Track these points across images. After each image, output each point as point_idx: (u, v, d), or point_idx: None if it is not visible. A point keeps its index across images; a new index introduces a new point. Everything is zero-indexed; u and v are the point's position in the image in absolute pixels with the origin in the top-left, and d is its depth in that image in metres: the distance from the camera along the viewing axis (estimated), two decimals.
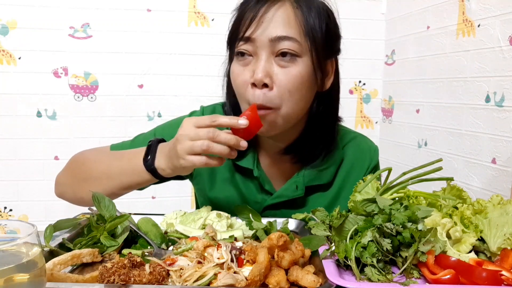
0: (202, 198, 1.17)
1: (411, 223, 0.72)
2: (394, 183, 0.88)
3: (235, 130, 0.88)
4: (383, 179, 0.93)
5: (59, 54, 2.56)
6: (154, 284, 0.66)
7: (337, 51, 1.05)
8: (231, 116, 0.88)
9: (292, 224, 0.98)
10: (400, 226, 0.71)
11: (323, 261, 0.73)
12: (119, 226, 0.85)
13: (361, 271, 0.71)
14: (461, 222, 0.79)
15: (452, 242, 0.78)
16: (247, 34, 0.95)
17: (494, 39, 1.87)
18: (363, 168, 1.14)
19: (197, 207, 1.24)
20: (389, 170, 0.93)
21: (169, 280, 0.69)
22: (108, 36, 2.60)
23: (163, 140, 1.00)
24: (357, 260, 0.72)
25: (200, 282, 0.68)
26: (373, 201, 0.79)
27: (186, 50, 2.67)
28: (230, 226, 0.95)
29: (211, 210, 0.99)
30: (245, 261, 0.74)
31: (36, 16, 2.51)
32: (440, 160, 0.87)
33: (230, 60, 1.04)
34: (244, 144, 0.87)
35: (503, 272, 0.69)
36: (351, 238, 0.74)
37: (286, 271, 0.70)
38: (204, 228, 0.91)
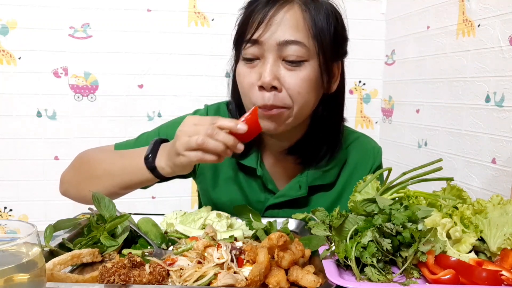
0: (205, 197, 1.18)
1: (411, 223, 0.72)
2: (394, 183, 0.88)
3: (233, 132, 0.87)
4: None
5: (59, 54, 2.56)
6: (154, 284, 0.66)
7: (344, 53, 1.05)
8: (231, 119, 0.87)
9: (292, 224, 0.98)
10: (400, 226, 0.71)
11: (323, 261, 0.73)
12: (119, 226, 0.85)
13: (361, 271, 0.71)
14: (461, 222, 0.79)
15: (452, 242, 0.78)
16: (254, 36, 0.95)
17: (494, 39, 1.87)
18: (366, 169, 1.14)
19: (200, 206, 1.25)
20: (389, 170, 0.93)
21: (169, 280, 0.69)
22: (108, 36, 2.60)
23: (166, 140, 1.00)
24: (357, 260, 0.72)
25: (200, 282, 0.68)
26: (373, 201, 0.79)
27: (186, 50, 2.67)
28: (230, 226, 0.95)
29: (212, 210, 0.99)
30: (245, 261, 0.74)
31: (36, 16, 2.51)
32: (440, 160, 0.87)
33: (236, 60, 1.04)
34: (240, 147, 0.87)
35: (503, 272, 0.69)
36: (351, 238, 0.74)
37: (286, 271, 0.70)
38: (204, 228, 0.91)
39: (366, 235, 0.72)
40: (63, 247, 0.80)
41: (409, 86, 2.56)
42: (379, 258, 0.71)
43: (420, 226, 0.72)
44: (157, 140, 0.99)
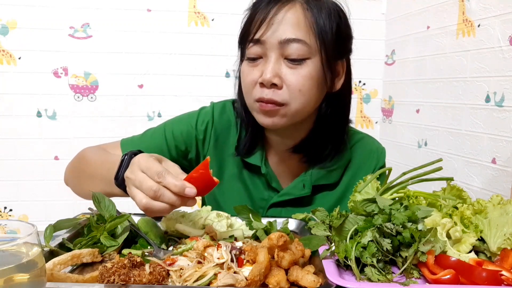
0: (209, 194, 1.18)
1: (411, 223, 0.72)
2: (394, 183, 0.88)
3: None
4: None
5: (59, 54, 2.56)
6: (154, 284, 0.66)
7: (348, 51, 1.05)
8: (179, 179, 0.77)
9: (292, 224, 0.98)
10: (400, 226, 0.71)
11: (323, 261, 0.73)
12: (119, 226, 0.85)
13: (361, 271, 0.71)
14: (461, 222, 0.79)
15: (452, 242, 0.78)
16: (257, 36, 0.96)
17: (494, 39, 1.87)
18: (369, 169, 1.14)
19: (204, 204, 1.25)
20: (389, 170, 0.93)
21: (169, 280, 0.69)
22: (108, 36, 2.60)
23: (140, 152, 0.91)
24: (357, 260, 0.72)
25: (200, 282, 0.68)
26: (373, 201, 0.79)
27: (186, 50, 2.67)
28: (230, 226, 0.95)
29: (213, 209, 0.99)
30: (245, 261, 0.74)
31: (36, 16, 2.51)
32: (440, 160, 0.87)
33: (241, 59, 1.05)
34: (191, 204, 0.79)
35: (503, 272, 0.69)
36: (351, 238, 0.74)
37: (286, 271, 0.70)
38: (204, 228, 0.91)
39: (366, 235, 0.72)
40: (63, 247, 0.80)
41: (409, 86, 2.56)
42: (379, 258, 0.71)
43: (420, 226, 0.72)
44: (128, 154, 0.89)
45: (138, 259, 0.69)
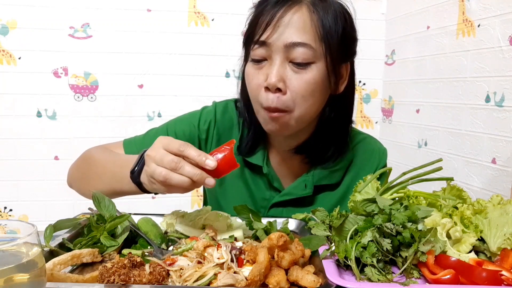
0: (211, 193, 1.18)
1: (411, 223, 0.72)
2: (394, 183, 0.88)
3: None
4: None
5: (59, 54, 2.56)
6: (154, 284, 0.66)
7: (352, 54, 1.05)
8: (201, 152, 0.80)
9: (292, 224, 0.98)
10: (400, 226, 0.71)
11: (323, 261, 0.73)
12: (119, 226, 0.85)
13: (361, 271, 0.71)
14: (461, 222, 0.79)
15: (452, 242, 0.78)
16: (262, 38, 0.95)
17: (494, 39, 1.87)
18: (371, 170, 1.14)
19: (205, 203, 1.25)
20: (389, 170, 0.93)
21: (169, 280, 0.69)
22: (108, 36, 2.59)
23: None
24: (357, 260, 0.72)
25: (200, 282, 0.68)
26: (373, 201, 0.79)
27: (186, 50, 2.67)
28: (230, 226, 0.95)
29: (214, 209, 0.99)
30: (245, 261, 0.74)
31: (36, 16, 2.51)
32: (440, 160, 0.87)
33: (245, 59, 1.04)
34: (210, 182, 0.80)
35: (503, 272, 0.69)
36: (351, 238, 0.74)
37: (286, 271, 0.70)
38: (204, 228, 0.91)
39: (366, 235, 0.72)
40: (63, 247, 0.80)
41: (409, 86, 2.56)
42: (379, 258, 0.71)
43: (420, 226, 0.72)
44: (145, 151, 0.90)
45: (138, 259, 0.69)
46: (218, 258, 0.71)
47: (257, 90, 0.98)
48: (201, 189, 2.78)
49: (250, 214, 0.93)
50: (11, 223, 0.58)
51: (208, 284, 0.68)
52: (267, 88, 0.95)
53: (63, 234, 0.84)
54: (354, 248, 0.71)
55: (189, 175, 0.79)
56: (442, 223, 0.79)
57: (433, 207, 0.83)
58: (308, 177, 1.10)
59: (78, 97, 2.62)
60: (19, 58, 2.52)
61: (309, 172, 1.11)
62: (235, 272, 0.70)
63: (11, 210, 2.64)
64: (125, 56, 2.62)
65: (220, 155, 0.81)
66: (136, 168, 0.89)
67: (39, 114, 2.59)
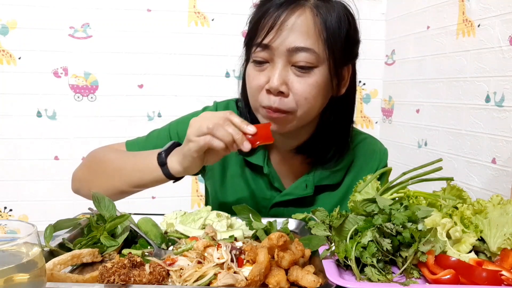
0: (213, 194, 1.19)
1: (411, 223, 0.72)
2: (394, 183, 0.88)
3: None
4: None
5: (59, 54, 2.56)
6: (154, 284, 0.66)
7: (354, 56, 1.04)
8: (243, 120, 0.91)
9: (292, 224, 0.98)
10: (400, 226, 0.71)
11: (323, 261, 0.73)
12: (119, 226, 0.85)
13: (361, 271, 0.71)
14: (461, 222, 0.79)
15: (452, 242, 0.78)
16: (265, 41, 0.94)
17: (494, 39, 1.87)
18: (372, 170, 1.14)
19: (207, 203, 1.25)
20: (389, 170, 0.93)
21: (169, 280, 0.69)
22: (108, 36, 2.60)
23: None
24: (357, 260, 0.72)
25: (200, 282, 0.68)
26: (373, 201, 0.79)
27: (186, 50, 2.67)
28: (230, 226, 0.95)
29: (215, 209, 0.99)
30: (245, 261, 0.74)
31: (36, 16, 2.51)
32: (440, 160, 0.87)
33: (246, 60, 1.04)
34: (247, 145, 0.89)
35: (503, 272, 0.69)
36: (351, 238, 0.74)
37: (286, 271, 0.70)
38: (204, 228, 0.91)
39: (366, 235, 0.72)
40: (63, 247, 0.80)
41: (409, 86, 2.56)
42: (379, 258, 0.71)
43: (420, 226, 0.72)
44: (175, 142, 1.01)
45: (138, 259, 0.69)
46: (218, 258, 0.71)
47: (257, 90, 0.98)
48: (201, 189, 2.78)
49: (250, 214, 0.93)
50: (11, 223, 0.58)
51: (208, 284, 0.68)
52: (269, 91, 0.95)
53: (63, 234, 0.84)
54: (354, 248, 0.71)
55: (232, 133, 0.89)
56: (442, 223, 0.79)
57: (433, 207, 0.83)
58: (309, 177, 1.10)
59: (78, 97, 2.62)
60: (19, 58, 2.52)
61: (310, 172, 1.11)
62: (235, 272, 0.70)
63: (11, 210, 2.64)
64: (125, 56, 2.62)
65: (257, 126, 0.92)
66: (164, 152, 0.98)
67: (39, 114, 2.59)
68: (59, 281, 0.66)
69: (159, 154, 0.98)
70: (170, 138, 1.14)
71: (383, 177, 0.93)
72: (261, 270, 0.66)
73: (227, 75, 2.70)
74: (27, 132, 2.58)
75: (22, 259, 0.53)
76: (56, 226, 0.83)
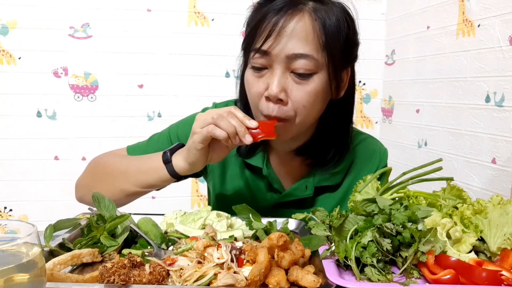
0: (214, 194, 1.19)
1: (411, 223, 0.72)
2: (394, 183, 0.88)
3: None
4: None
5: (59, 54, 2.56)
6: (154, 284, 0.66)
7: (353, 59, 1.03)
8: (246, 115, 0.93)
9: (292, 224, 0.98)
10: (400, 226, 0.71)
11: (323, 261, 0.73)
12: (119, 226, 0.85)
13: (361, 271, 0.71)
14: (461, 222, 0.79)
15: (452, 242, 0.78)
16: (264, 47, 0.93)
17: (494, 39, 1.87)
18: (372, 170, 1.13)
19: (209, 204, 1.26)
20: (389, 170, 0.93)
21: (169, 280, 0.69)
22: (108, 36, 2.60)
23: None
24: (357, 260, 0.72)
25: (200, 282, 0.68)
26: (373, 201, 0.79)
27: (186, 50, 2.67)
28: (230, 226, 0.95)
29: (213, 209, 0.99)
30: (245, 261, 0.74)
31: (36, 16, 2.51)
32: (440, 160, 0.87)
33: (244, 63, 1.03)
34: (248, 138, 0.91)
35: (503, 272, 0.69)
36: (351, 238, 0.74)
37: (286, 271, 0.70)
38: (204, 228, 0.91)
39: (366, 235, 0.72)
40: (63, 247, 0.80)
41: (409, 86, 2.56)
42: (379, 258, 0.71)
43: (420, 226, 0.72)
44: (180, 143, 1.03)
45: (138, 259, 0.69)
46: (218, 258, 0.71)
47: (257, 97, 0.97)
48: (201, 189, 2.78)
49: (250, 214, 0.93)
50: (11, 223, 0.58)
51: (208, 284, 0.68)
52: (268, 98, 0.95)
53: (63, 234, 0.84)
54: (354, 248, 0.71)
55: (235, 125, 0.91)
56: (442, 223, 0.79)
57: (433, 207, 0.83)
58: (309, 178, 1.10)
59: (78, 97, 2.62)
60: (19, 58, 2.52)
61: (310, 174, 1.11)
62: (235, 272, 0.70)
63: (11, 210, 2.64)
64: (125, 56, 2.62)
65: (261, 122, 0.94)
66: (169, 151, 0.99)
67: (39, 114, 2.59)
68: (59, 281, 0.66)
69: (164, 153, 1.00)
70: (170, 140, 1.14)
71: (383, 177, 0.93)
72: (261, 270, 0.66)
73: (227, 75, 2.70)
74: (27, 132, 2.58)
75: (22, 259, 0.53)
76: (56, 226, 0.83)
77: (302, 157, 1.10)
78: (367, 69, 2.84)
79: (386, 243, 0.71)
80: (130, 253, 0.73)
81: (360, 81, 2.87)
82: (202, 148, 0.93)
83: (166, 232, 0.93)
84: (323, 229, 0.81)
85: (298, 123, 0.98)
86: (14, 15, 2.49)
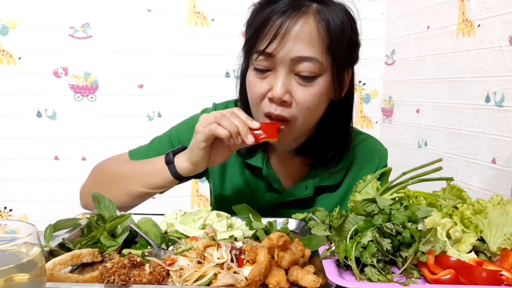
0: (214, 194, 1.19)
1: (411, 223, 0.72)
2: (394, 183, 0.88)
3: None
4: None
5: (59, 54, 2.56)
6: (154, 284, 0.66)
7: (355, 60, 1.04)
8: (249, 117, 0.94)
9: (292, 224, 0.98)
10: (400, 226, 0.71)
11: (323, 261, 0.73)
12: (119, 226, 0.85)
13: (361, 271, 0.71)
14: (461, 222, 0.79)
15: (452, 242, 0.78)
16: (268, 50, 0.92)
17: (494, 39, 1.87)
18: (371, 170, 1.13)
19: (211, 204, 1.26)
20: (389, 170, 0.93)
21: (169, 280, 0.69)
22: (108, 36, 2.60)
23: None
24: (357, 260, 0.72)
25: (200, 282, 0.68)
26: (373, 201, 0.79)
27: (186, 50, 2.67)
28: (230, 226, 0.95)
29: (212, 209, 0.99)
30: (245, 261, 0.74)
31: (36, 16, 2.51)
32: (440, 160, 0.87)
33: (246, 63, 1.02)
34: (250, 139, 0.91)
35: (503, 272, 0.69)
36: (351, 238, 0.74)
37: (286, 271, 0.70)
38: (204, 228, 0.91)
39: (366, 235, 0.72)
40: (63, 247, 0.80)
41: (409, 86, 2.56)
42: (379, 258, 0.71)
43: (420, 226, 0.72)
44: (183, 146, 1.04)
45: (138, 259, 0.69)
46: (218, 258, 0.71)
47: (259, 98, 0.97)
48: (201, 189, 2.78)
49: (250, 214, 0.93)
50: (11, 223, 0.58)
51: (208, 284, 0.68)
52: (271, 99, 0.95)
53: (63, 234, 0.84)
54: (354, 248, 0.71)
55: (238, 125, 0.91)
56: (442, 223, 0.79)
57: (433, 207, 0.83)
58: (309, 178, 1.10)
59: (78, 97, 2.62)
60: (19, 58, 2.52)
61: (310, 174, 1.11)
62: (235, 272, 0.70)
63: (11, 210, 2.64)
64: (125, 56, 2.62)
65: (264, 124, 0.95)
66: (172, 153, 1.01)
67: (39, 114, 2.59)
68: (59, 281, 0.66)
69: (167, 154, 1.01)
70: (171, 143, 1.15)
71: (383, 177, 0.93)
72: (261, 270, 0.66)
73: (227, 75, 2.70)
74: (27, 132, 2.58)
75: (22, 259, 0.53)
76: (56, 226, 0.83)
77: (302, 157, 1.10)
78: (367, 69, 2.84)
79: (386, 243, 0.71)
80: (130, 253, 0.73)
81: (360, 81, 2.87)
82: (205, 147, 0.94)
83: (166, 232, 0.93)
84: (323, 229, 0.81)
85: (300, 124, 0.98)
86: (14, 15, 2.49)
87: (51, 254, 0.76)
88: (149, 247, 0.84)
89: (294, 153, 1.10)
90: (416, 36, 2.47)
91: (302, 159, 1.10)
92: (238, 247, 0.76)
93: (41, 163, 2.61)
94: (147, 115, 2.69)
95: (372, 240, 0.72)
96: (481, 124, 1.95)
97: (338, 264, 0.73)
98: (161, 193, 1.09)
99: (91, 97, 2.63)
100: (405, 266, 0.71)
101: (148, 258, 0.75)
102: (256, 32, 0.95)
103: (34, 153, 2.60)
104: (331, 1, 0.97)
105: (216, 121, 0.91)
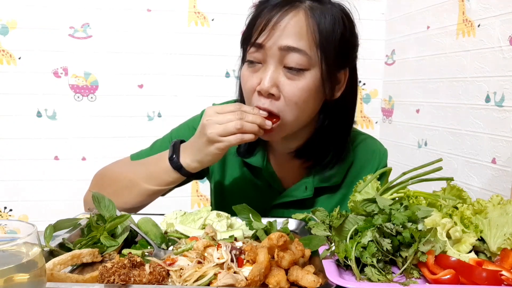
0: (214, 194, 1.19)
1: (411, 223, 0.72)
2: (394, 183, 0.88)
3: None
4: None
5: (59, 54, 2.56)
6: (154, 284, 0.66)
7: (351, 61, 1.03)
8: (250, 107, 0.95)
9: (292, 224, 0.98)
10: (400, 226, 0.71)
11: (323, 261, 0.73)
12: (119, 226, 0.85)
13: (361, 271, 0.71)
14: (461, 222, 0.79)
15: (452, 242, 0.78)
16: (258, 40, 0.95)
17: (494, 39, 1.87)
18: (371, 171, 1.13)
19: (211, 204, 1.26)
20: (389, 170, 0.93)
21: (169, 280, 0.69)
22: (108, 36, 2.60)
23: (183, 141, 1.04)
24: (357, 260, 0.72)
25: (200, 282, 0.68)
26: (373, 201, 0.79)
27: (186, 50, 2.67)
28: (230, 226, 0.95)
29: (212, 209, 0.99)
30: (245, 261, 0.74)
31: (36, 16, 2.51)
32: (440, 160, 0.87)
33: (242, 60, 1.04)
34: (268, 123, 0.94)
35: (503, 272, 0.69)
36: (351, 238, 0.74)
37: (286, 271, 0.70)
38: (204, 228, 0.91)
39: (366, 235, 0.72)
40: (63, 247, 0.80)
41: (409, 86, 2.56)
42: (379, 258, 0.71)
43: (420, 226, 0.72)
44: (176, 141, 1.03)
45: (138, 259, 0.69)
46: (218, 258, 0.71)
47: (250, 92, 0.98)
48: (201, 189, 2.78)
49: (250, 214, 0.93)
50: (11, 223, 0.58)
51: (208, 284, 0.68)
52: (259, 93, 0.96)
53: (63, 234, 0.84)
54: (354, 248, 0.71)
55: (253, 120, 0.93)
56: (442, 223, 0.79)
57: (433, 207, 0.83)
58: (309, 179, 1.10)
59: (78, 97, 2.62)
60: (19, 58, 2.52)
61: (310, 174, 1.11)
62: (235, 272, 0.70)
63: (11, 210, 2.64)
64: (125, 56, 2.62)
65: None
66: (174, 155, 1.00)
67: (39, 114, 2.59)
68: (59, 281, 0.66)
69: (171, 160, 1.00)
70: None
71: (383, 177, 0.93)
72: (261, 270, 0.66)
73: (227, 75, 2.70)
74: (27, 132, 2.58)
75: (22, 259, 0.53)
76: (56, 226, 0.83)
77: (302, 159, 1.10)
78: (367, 69, 2.84)
79: (386, 243, 0.71)
80: (130, 253, 0.73)
81: (360, 81, 2.87)
82: (223, 153, 0.96)
83: (166, 232, 0.93)
84: (323, 229, 0.81)
85: (289, 121, 0.98)
86: (14, 15, 2.49)
87: (51, 254, 0.76)
88: (149, 247, 0.84)
89: (293, 155, 1.09)
90: (416, 36, 2.47)
91: (301, 160, 1.10)
92: (238, 247, 0.76)
93: (41, 163, 2.61)
94: (147, 115, 2.69)
95: (372, 240, 0.72)
96: (481, 124, 1.95)
97: (338, 264, 0.73)
98: (163, 195, 1.09)
99: (91, 97, 2.63)
100: (405, 266, 0.71)
101: (148, 258, 0.75)
102: (249, 26, 0.98)
103: (34, 153, 2.60)
104: (328, 0, 0.98)
105: (241, 127, 0.92)
